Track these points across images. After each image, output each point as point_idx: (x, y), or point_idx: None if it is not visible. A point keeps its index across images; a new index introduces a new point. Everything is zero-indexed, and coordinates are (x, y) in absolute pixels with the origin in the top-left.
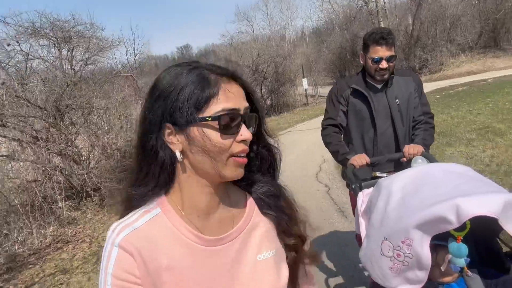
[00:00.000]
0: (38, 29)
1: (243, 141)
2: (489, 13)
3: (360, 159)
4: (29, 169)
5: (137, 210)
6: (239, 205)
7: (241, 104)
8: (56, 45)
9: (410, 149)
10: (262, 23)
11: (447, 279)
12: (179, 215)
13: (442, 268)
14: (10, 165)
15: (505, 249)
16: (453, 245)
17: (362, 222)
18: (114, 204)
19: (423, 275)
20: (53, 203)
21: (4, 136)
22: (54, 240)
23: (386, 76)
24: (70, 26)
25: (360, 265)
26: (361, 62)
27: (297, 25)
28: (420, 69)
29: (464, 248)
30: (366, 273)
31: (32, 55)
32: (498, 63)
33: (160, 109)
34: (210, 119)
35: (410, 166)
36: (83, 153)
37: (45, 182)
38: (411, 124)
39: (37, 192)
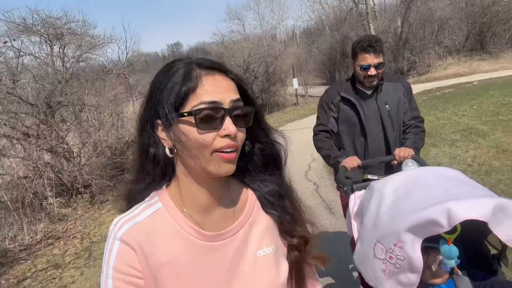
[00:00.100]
0: (30, 25)
1: (227, 135)
2: (476, 16)
3: (351, 161)
4: (20, 165)
5: (138, 204)
6: (241, 201)
7: (225, 97)
8: (48, 42)
9: (401, 152)
10: (253, 23)
11: (437, 280)
12: (180, 210)
13: (433, 268)
14: (0, 161)
15: (493, 251)
16: (444, 247)
17: (354, 224)
18: (117, 200)
19: (415, 278)
20: (43, 199)
21: None
22: (45, 236)
23: (374, 83)
24: (62, 23)
25: (351, 265)
26: (351, 68)
27: (288, 25)
28: (408, 71)
29: (455, 250)
30: (355, 274)
31: (24, 51)
32: (484, 66)
33: (151, 107)
34: (186, 114)
35: (401, 169)
36: (74, 150)
37: (36, 179)
38: (401, 128)
39: (28, 188)
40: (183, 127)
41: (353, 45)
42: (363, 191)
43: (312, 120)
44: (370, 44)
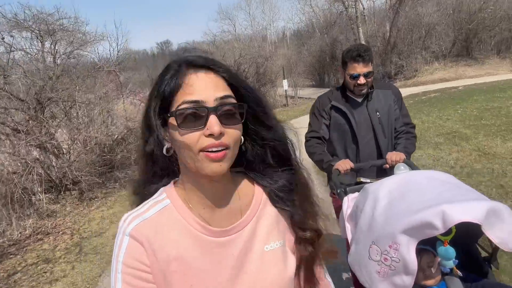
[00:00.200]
0: (21, 21)
1: (211, 135)
2: (463, 23)
3: (344, 164)
4: (9, 160)
5: (147, 201)
6: (247, 197)
7: (210, 95)
8: (39, 37)
9: (392, 156)
10: (244, 23)
11: (429, 282)
12: (187, 206)
13: (433, 271)
14: None
15: (483, 254)
16: (441, 249)
17: (348, 226)
18: (128, 193)
19: (409, 280)
20: (32, 195)
21: None
22: (34, 232)
23: (364, 91)
24: (54, 19)
25: (342, 265)
26: (340, 76)
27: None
28: (395, 75)
29: (451, 251)
30: (346, 275)
31: (15, 47)
32: (469, 71)
33: (151, 107)
34: (169, 115)
35: (393, 173)
36: (64, 146)
37: (25, 175)
38: (393, 135)
39: (17, 184)
40: (171, 127)
41: (342, 54)
42: (356, 194)
43: (301, 121)
44: (359, 54)
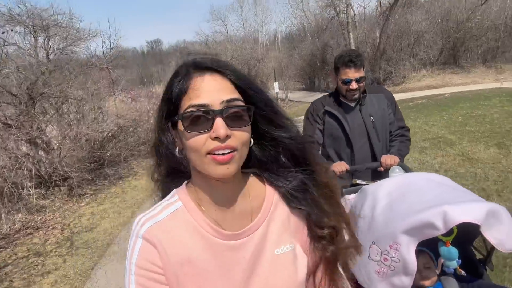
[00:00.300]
0: (15, 15)
1: (217, 137)
2: (451, 31)
3: (340, 166)
4: (1, 155)
5: (159, 203)
6: (258, 199)
7: (216, 98)
8: (32, 32)
9: (387, 159)
10: (236, 24)
11: (426, 282)
12: (199, 209)
13: (437, 272)
14: None
15: (478, 255)
16: (443, 250)
17: None
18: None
19: (408, 281)
20: (22, 189)
21: None
22: (23, 226)
23: (356, 96)
24: (48, 14)
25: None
26: (332, 82)
27: (270, 29)
28: (384, 81)
29: (454, 251)
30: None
31: (8, 41)
32: (455, 79)
33: (162, 110)
34: (176, 118)
35: (387, 176)
36: (54, 142)
37: (15, 169)
38: (387, 139)
39: (7, 178)
40: (180, 130)
41: (335, 60)
42: (352, 195)
43: None
44: (351, 59)
